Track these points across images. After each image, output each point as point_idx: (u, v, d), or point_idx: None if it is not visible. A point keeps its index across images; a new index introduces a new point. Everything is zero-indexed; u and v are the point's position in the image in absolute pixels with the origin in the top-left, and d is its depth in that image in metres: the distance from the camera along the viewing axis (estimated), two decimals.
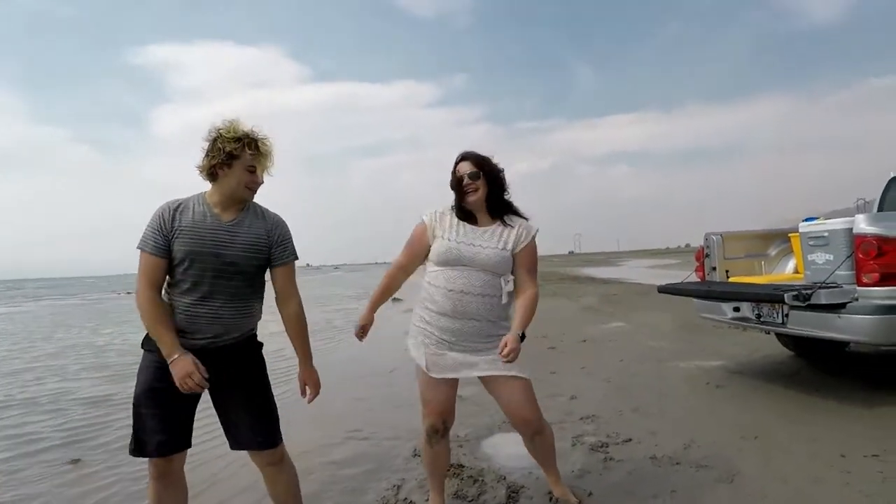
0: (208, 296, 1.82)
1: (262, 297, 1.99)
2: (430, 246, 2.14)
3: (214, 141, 1.82)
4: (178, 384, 1.75)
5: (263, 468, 1.99)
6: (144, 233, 1.83)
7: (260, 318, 2.01)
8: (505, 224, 2.14)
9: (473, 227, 2.12)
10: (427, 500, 2.40)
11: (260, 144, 1.85)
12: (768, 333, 4.69)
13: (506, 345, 1.92)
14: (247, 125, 1.85)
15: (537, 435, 2.24)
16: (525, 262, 2.11)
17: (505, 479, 2.64)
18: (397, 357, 6.14)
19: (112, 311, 18.64)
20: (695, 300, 4.50)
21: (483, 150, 2.18)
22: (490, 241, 2.09)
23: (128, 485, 2.94)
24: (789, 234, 4.36)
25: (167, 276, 1.86)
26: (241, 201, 1.90)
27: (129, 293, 23.95)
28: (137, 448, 1.83)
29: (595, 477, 2.63)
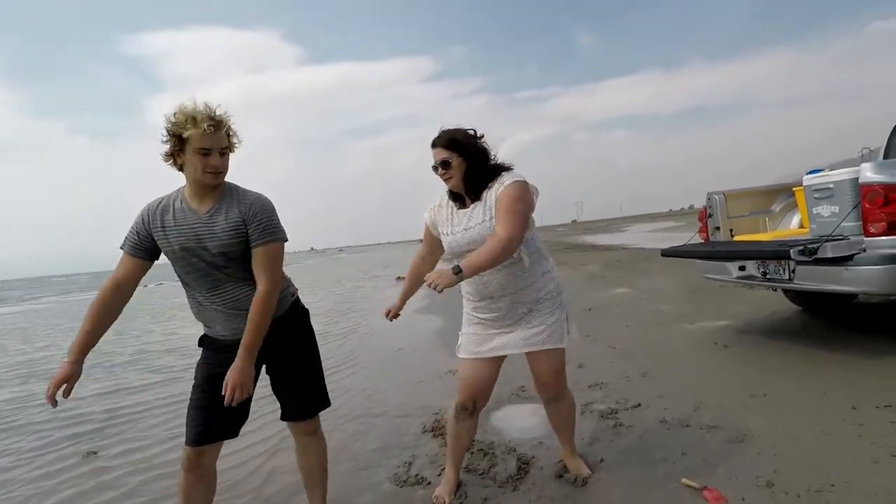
0: (215, 286, 1.80)
1: None
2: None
3: (169, 124, 1.70)
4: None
5: (297, 437, 2.05)
6: (127, 234, 1.81)
7: (286, 292, 1.94)
8: (487, 189, 2.01)
9: (465, 210, 2.06)
10: (439, 474, 2.40)
11: (206, 121, 1.67)
12: (775, 290, 4.65)
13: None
14: (198, 103, 1.70)
15: (554, 401, 2.27)
16: (499, 207, 1.91)
17: (515, 450, 2.64)
18: (404, 336, 6.17)
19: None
20: (699, 261, 4.46)
21: (468, 123, 2.10)
22: (476, 217, 2.01)
23: (140, 476, 2.97)
24: (794, 189, 4.28)
25: (180, 279, 1.85)
26: (211, 188, 1.78)
27: (159, 284, 23.88)
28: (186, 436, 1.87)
29: (605, 444, 2.63)
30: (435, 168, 2.05)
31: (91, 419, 4.23)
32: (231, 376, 1.73)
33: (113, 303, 1.78)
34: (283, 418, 2.01)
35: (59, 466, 3.28)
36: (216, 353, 1.88)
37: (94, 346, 1.76)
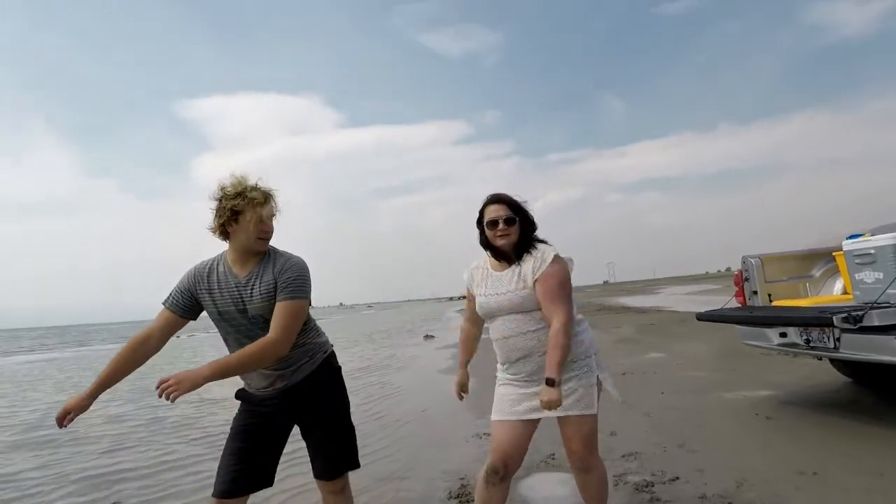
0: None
1: (306, 331, 1.97)
2: None
3: (220, 200, 1.85)
4: None
5: (325, 495, 2.03)
6: (171, 290, 1.93)
7: (318, 348, 2.00)
8: (522, 260, 2.09)
9: (499, 273, 2.11)
10: None
11: (260, 195, 1.85)
12: (820, 359, 4.43)
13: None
14: (249, 178, 1.87)
15: (584, 472, 2.17)
16: (542, 290, 1.98)
17: None
18: (430, 396, 6.08)
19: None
20: (737, 327, 4.31)
21: (511, 190, 2.15)
22: (509, 284, 2.06)
23: None
24: (833, 253, 4.16)
25: (222, 338, 1.96)
26: (257, 253, 1.91)
27: (190, 335, 25.08)
28: None
29: None
30: (494, 223, 2.07)
31: (118, 472, 4.25)
32: (177, 374, 1.61)
33: (138, 353, 1.87)
34: (315, 475, 2.02)
35: None
36: (251, 405, 1.95)
37: (109, 387, 1.84)
